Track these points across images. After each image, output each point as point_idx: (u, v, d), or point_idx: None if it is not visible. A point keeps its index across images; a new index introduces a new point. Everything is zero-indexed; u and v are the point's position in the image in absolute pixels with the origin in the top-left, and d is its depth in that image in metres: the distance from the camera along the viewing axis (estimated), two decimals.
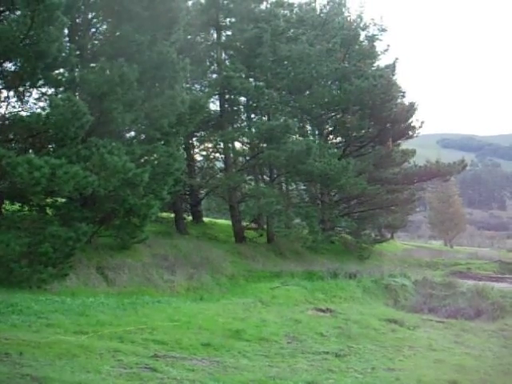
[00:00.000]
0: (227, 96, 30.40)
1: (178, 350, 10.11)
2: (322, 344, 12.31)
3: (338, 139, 39.98)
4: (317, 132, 39.20)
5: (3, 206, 17.78)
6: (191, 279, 22.25)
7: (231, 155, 31.68)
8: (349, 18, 41.06)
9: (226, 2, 30.06)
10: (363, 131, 36.46)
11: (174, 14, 20.16)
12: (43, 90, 18.34)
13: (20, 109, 17.90)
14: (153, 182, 19.08)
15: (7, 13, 16.37)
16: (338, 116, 37.56)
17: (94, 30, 20.72)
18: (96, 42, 20.82)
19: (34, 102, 18.38)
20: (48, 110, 16.72)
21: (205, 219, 34.53)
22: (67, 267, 17.01)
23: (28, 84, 17.61)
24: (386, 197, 35.95)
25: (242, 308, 15.73)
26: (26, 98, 18.07)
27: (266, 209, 28.43)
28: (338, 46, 34.38)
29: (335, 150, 34.24)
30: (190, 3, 29.47)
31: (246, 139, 32.27)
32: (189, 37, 28.27)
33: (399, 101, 38.67)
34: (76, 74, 18.11)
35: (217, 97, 30.55)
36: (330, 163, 29.10)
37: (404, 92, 40.35)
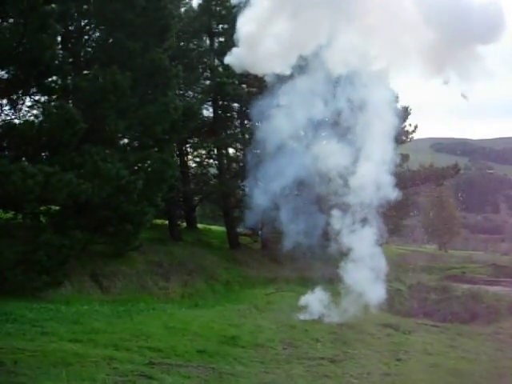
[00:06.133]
0: (220, 102, 30.35)
1: (173, 357, 10.10)
2: (318, 349, 12.32)
3: None
4: None
5: None
6: (186, 286, 22.22)
7: (225, 161, 31.63)
8: None
9: (218, 8, 30.07)
10: None
11: (167, 21, 20.19)
12: (36, 97, 18.31)
13: (13, 117, 17.88)
14: (147, 188, 19.05)
15: (0, 21, 16.35)
16: None
17: (86, 37, 20.73)
18: (89, 49, 20.83)
19: (27, 109, 18.34)
20: (41, 118, 16.69)
21: (199, 225, 34.45)
22: (61, 275, 16.97)
23: (21, 92, 17.59)
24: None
25: (236, 314, 15.72)
26: (19, 106, 18.03)
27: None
28: None
29: None
30: (182, 10, 29.52)
31: (239, 145, 32.23)
32: (181, 43, 28.30)
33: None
34: (69, 81, 18.10)
35: (210, 103, 30.52)
36: None
37: (397, 96, 40.37)
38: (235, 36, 15.21)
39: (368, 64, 15.64)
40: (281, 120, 15.54)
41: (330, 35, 14.35)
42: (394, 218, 41.88)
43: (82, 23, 20.34)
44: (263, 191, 16.17)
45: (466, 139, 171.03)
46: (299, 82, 15.49)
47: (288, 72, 15.22)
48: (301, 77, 15.46)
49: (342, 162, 15.64)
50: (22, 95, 17.83)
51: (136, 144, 21.11)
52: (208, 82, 30.74)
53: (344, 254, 15.65)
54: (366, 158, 15.44)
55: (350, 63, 15.15)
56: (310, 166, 15.69)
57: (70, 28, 19.81)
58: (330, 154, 15.68)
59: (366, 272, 15.23)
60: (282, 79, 15.61)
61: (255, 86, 29.60)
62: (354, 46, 14.80)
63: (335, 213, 15.84)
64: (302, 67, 15.30)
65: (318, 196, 16.92)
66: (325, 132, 16.52)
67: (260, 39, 14.44)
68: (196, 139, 31.22)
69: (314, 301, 16.36)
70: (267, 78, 16.09)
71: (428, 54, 14.13)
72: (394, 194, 15.77)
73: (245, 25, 14.72)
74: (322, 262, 17.44)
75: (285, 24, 14.39)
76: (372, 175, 15.32)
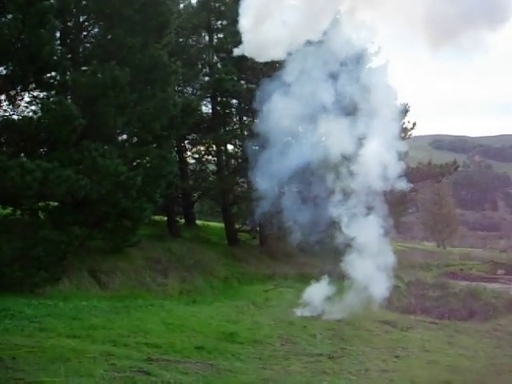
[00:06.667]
0: (219, 98, 30.29)
1: (171, 353, 10.10)
2: (316, 346, 12.34)
3: None
4: None
5: None
6: (184, 282, 22.22)
7: (223, 158, 31.61)
8: None
9: (217, 4, 30.04)
10: None
11: (166, 17, 20.16)
12: (35, 93, 18.26)
13: (12, 112, 17.83)
14: (145, 184, 19.04)
15: None
16: None
17: (85, 33, 20.69)
18: (88, 45, 20.81)
19: (26, 105, 18.28)
20: (40, 114, 16.65)
21: (198, 222, 34.44)
22: (60, 271, 16.95)
23: (19, 88, 17.53)
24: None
25: (235, 311, 15.74)
26: (17, 102, 17.99)
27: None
28: None
29: None
30: (181, 6, 29.46)
31: (238, 141, 32.21)
32: (180, 40, 28.26)
33: None
34: (68, 77, 18.06)
35: (209, 99, 30.49)
36: None
37: (396, 93, 40.31)
38: (239, 25, 15.04)
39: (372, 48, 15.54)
40: (283, 105, 15.40)
41: (335, 15, 14.28)
42: (392, 214, 41.96)
43: (81, 19, 20.29)
44: (264, 185, 16.10)
45: (465, 136, 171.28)
46: (303, 66, 15.36)
47: (292, 56, 15.13)
48: (305, 60, 15.33)
49: (345, 149, 15.51)
50: (21, 91, 17.79)
51: (135, 140, 21.10)
52: (207, 79, 30.70)
53: (347, 246, 15.49)
54: (371, 142, 15.32)
55: (354, 45, 15.10)
56: (312, 154, 15.55)
57: (68, 24, 19.76)
58: (334, 140, 15.53)
59: (370, 263, 15.08)
60: (285, 63, 15.50)
61: (254, 83, 29.61)
62: (359, 27, 14.74)
63: (338, 200, 15.67)
64: (307, 49, 15.15)
65: (320, 187, 16.75)
66: (328, 117, 16.29)
67: (265, 26, 14.32)
68: (195, 135, 31.20)
69: (313, 297, 16.36)
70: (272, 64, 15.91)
71: (432, 31, 13.98)
72: (400, 183, 15.61)
73: (249, 13, 14.58)
74: (321, 258, 17.45)
75: (291, 9, 14.30)
76: (377, 159, 15.21)
